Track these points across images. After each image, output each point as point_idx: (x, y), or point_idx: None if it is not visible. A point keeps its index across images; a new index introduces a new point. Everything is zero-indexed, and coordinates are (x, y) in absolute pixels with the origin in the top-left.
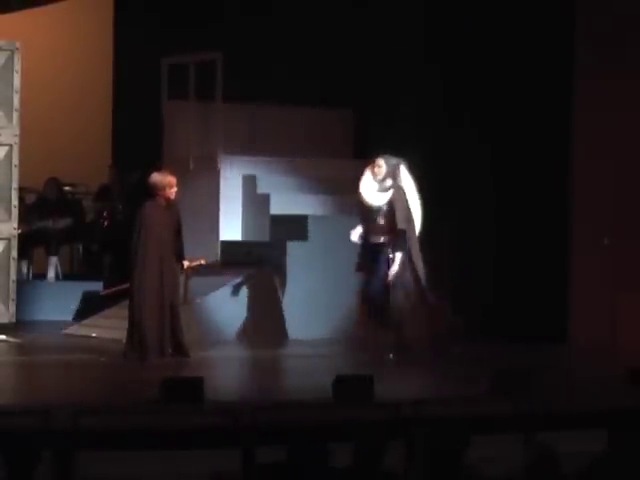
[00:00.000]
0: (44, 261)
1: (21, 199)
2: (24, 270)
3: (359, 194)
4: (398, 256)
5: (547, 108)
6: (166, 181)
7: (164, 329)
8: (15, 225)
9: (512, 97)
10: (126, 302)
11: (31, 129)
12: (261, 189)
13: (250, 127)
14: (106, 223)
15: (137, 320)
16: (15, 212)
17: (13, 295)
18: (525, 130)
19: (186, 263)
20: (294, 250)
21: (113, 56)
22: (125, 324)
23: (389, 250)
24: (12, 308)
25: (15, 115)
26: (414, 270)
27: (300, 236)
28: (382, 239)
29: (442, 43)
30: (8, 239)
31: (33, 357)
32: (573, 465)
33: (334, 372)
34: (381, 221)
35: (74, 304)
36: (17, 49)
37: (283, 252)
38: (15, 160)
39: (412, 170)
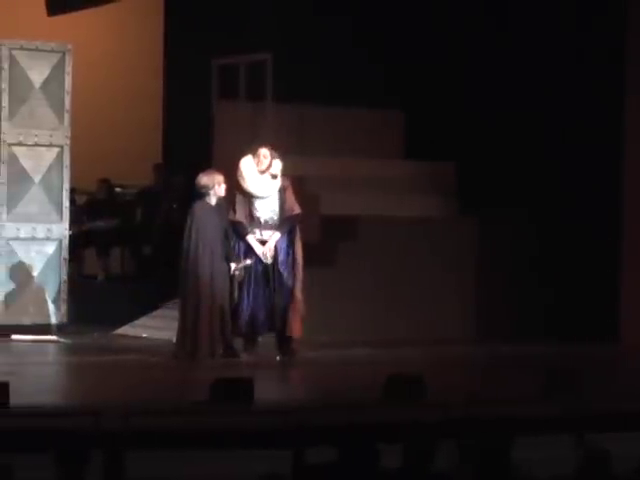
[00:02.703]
0: (95, 262)
1: (72, 200)
2: (75, 271)
3: (245, 188)
4: (277, 235)
5: (599, 108)
6: (215, 179)
7: (214, 330)
8: (67, 226)
9: (561, 98)
10: (176, 302)
11: (82, 130)
12: (310, 189)
13: (300, 127)
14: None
15: (187, 321)
16: (67, 213)
17: (64, 296)
18: (577, 129)
19: (233, 265)
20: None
21: (164, 58)
22: (175, 324)
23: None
24: (63, 308)
25: (66, 116)
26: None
27: (351, 236)
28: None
29: (490, 45)
30: (60, 240)
31: (84, 358)
32: (624, 466)
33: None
34: (275, 210)
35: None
36: (69, 51)
37: (334, 252)
38: (66, 161)
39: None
